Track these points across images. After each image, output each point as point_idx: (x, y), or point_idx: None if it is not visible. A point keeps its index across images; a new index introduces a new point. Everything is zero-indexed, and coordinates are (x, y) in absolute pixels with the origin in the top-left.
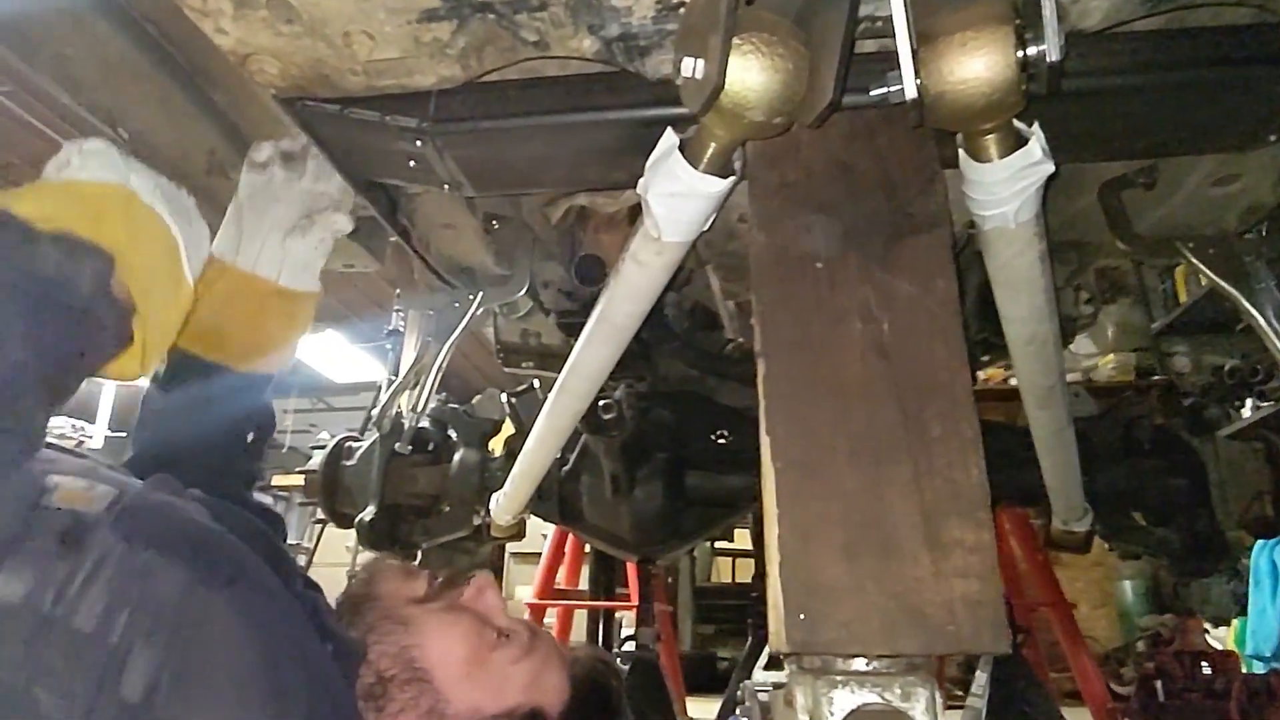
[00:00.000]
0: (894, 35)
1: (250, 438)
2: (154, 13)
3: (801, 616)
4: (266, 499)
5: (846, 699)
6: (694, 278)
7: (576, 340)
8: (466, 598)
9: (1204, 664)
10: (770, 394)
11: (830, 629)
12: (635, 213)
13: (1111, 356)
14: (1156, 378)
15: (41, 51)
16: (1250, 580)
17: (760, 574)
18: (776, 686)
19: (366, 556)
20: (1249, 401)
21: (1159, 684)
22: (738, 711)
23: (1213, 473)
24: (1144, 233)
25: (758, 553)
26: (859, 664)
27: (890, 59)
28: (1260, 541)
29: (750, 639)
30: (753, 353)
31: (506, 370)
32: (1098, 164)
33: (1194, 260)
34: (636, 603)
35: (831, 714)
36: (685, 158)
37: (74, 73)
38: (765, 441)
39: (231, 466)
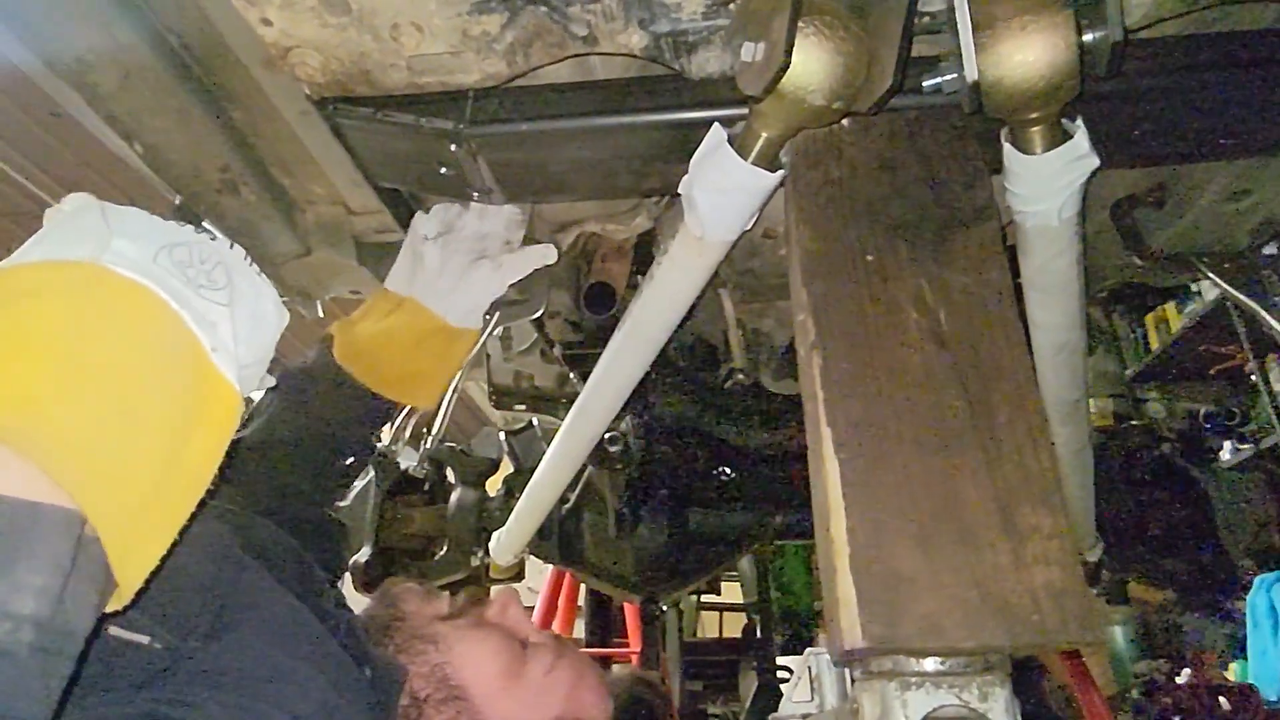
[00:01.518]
0: (938, 34)
1: (349, 462)
2: (178, 24)
3: (879, 609)
4: None
5: (921, 702)
6: (695, 311)
7: (579, 373)
8: (491, 614)
9: (1222, 698)
10: (828, 386)
11: (910, 622)
12: (643, 242)
13: (1091, 402)
14: (1134, 423)
15: (64, 56)
16: (1248, 621)
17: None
18: (805, 717)
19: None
20: (1227, 445)
21: None
22: None
23: (1216, 504)
24: (1157, 251)
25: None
26: (932, 664)
27: (933, 62)
28: (1258, 580)
29: (755, 686)
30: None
31: (498, 412)
32: (1104, 187)
33: (1211, 275)
34: (637, 649)
35: (906, 718)
36: (734, 151)
37: (93, 80)
38: (824, 434)
39: (319, 481)
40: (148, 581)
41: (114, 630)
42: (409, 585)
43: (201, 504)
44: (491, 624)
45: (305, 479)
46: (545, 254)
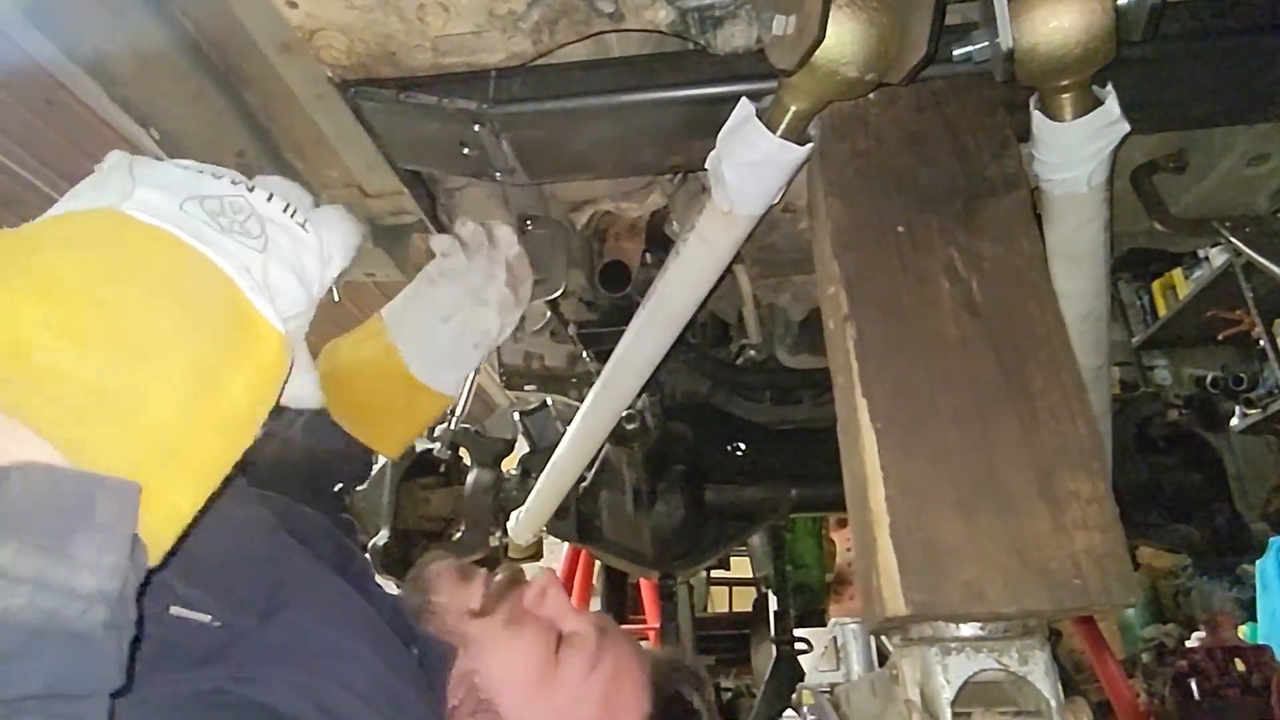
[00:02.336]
0: (968, 1)
1: (338, 488)
2: (193, 8)
3: (921, 577)
4: None
5: (962, 666)
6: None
7: (593, 352)
8: (529, 600)
9: (1238, 660)
10: (863, 357)
11: (952, 589)
12: (656, 221)
13: None
14: (1141, 391)
15: (82, 44)
16: (1259, 585)
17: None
18: (834, 685)
19: None
20: (1236, 409)
21: (1193, 682)
22: (805, 712)
23: (1230, 467)
24: (1179, 216)
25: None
26: (970, 629)
27: (963, 30)
28: (1272, 542)
29: (774, 657)
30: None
31: (509, 392)
32: (1123, 152)
33: (1233, 240)
34: (655, 625)
35: (947, 683)
36: (763, 125)
37: (111, 67)
38: (860, 405)
39: (314, 502)
40: (195, 554)
41: (175, 610)
42: (443, 567)
43: (228, 481)
44: (527, 616)
45: (297, 496)
46: (489, 325)
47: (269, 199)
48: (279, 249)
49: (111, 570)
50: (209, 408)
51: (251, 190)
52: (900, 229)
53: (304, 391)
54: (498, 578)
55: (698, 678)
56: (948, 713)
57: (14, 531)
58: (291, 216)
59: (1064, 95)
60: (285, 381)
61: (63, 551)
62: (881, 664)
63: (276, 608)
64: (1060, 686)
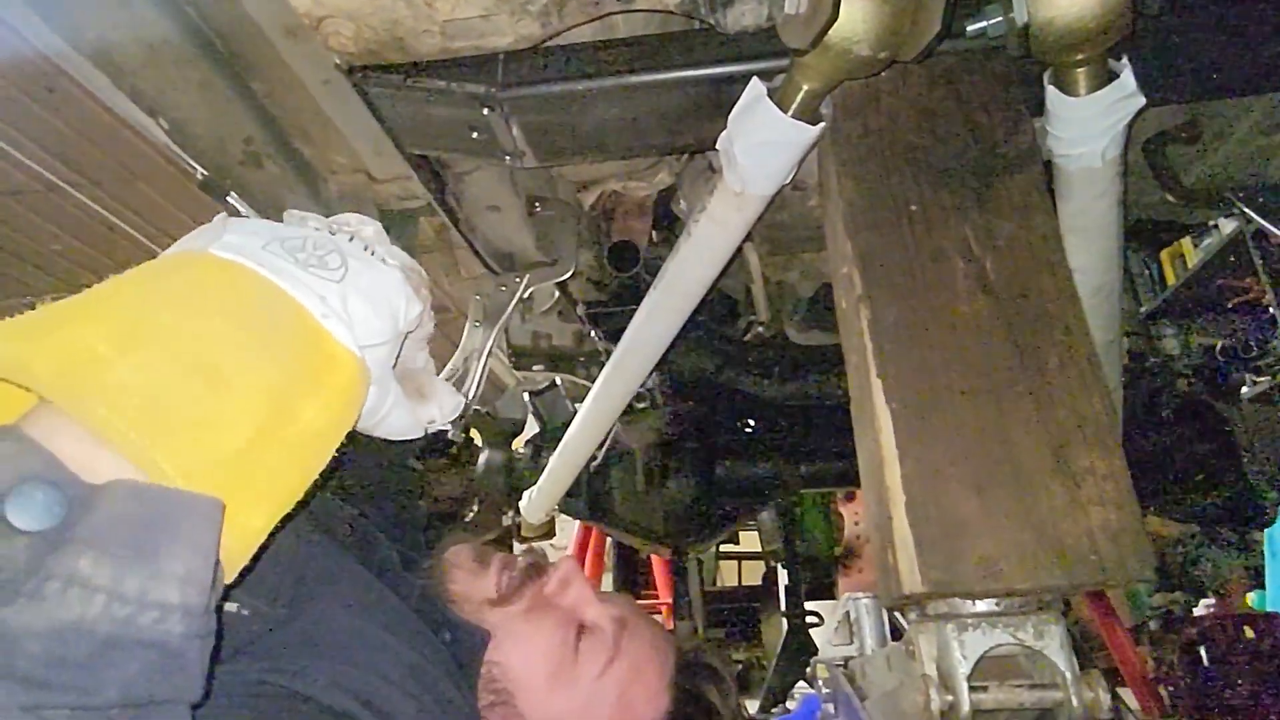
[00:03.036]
0: None
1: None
2: None
3: (937, 554)
4: None
5: (978, 641)
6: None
7: (603, 331)
8: (550, 590)
9: (1247, 627)
10: (877, 336)
11: (968, 566)
12: (663, 200)
13: None
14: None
15: (86, 34)
16: (1267, 552)
17: (776, 569)
18: (849, 659)
19: None
20: (1246, 377)
21: (1202, 650)
22: (820, 686)
23: (1241, 436)
24: (1191, 187)
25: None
26: (986, 605)
27: (975, 5)
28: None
29: (785, 630)
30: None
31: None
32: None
33: (1247, 210)
34: (668, 600)
35: (964, 658)
36: (774, 105)
37: (117, 57)
38: (874, 385)
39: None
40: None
41: None
42: (464, 554)
43: (304, 503)
44: (548, 606)
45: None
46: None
47: (350, 239)
48: (357, 280)
49: (194, 582)
50: (284, 430)
51: (334, 233)
52: (913, 208)
53: (401, 423)
54: (518, 563)
55: (720, 675)
56: (964, 688)
57: (97, 543)
58: (372, 254)
59: (1079, 70)
60: (363, 405)
61: (146, 563)
62: (895, 637)
63: (304, 599)
64: (1075, 659)
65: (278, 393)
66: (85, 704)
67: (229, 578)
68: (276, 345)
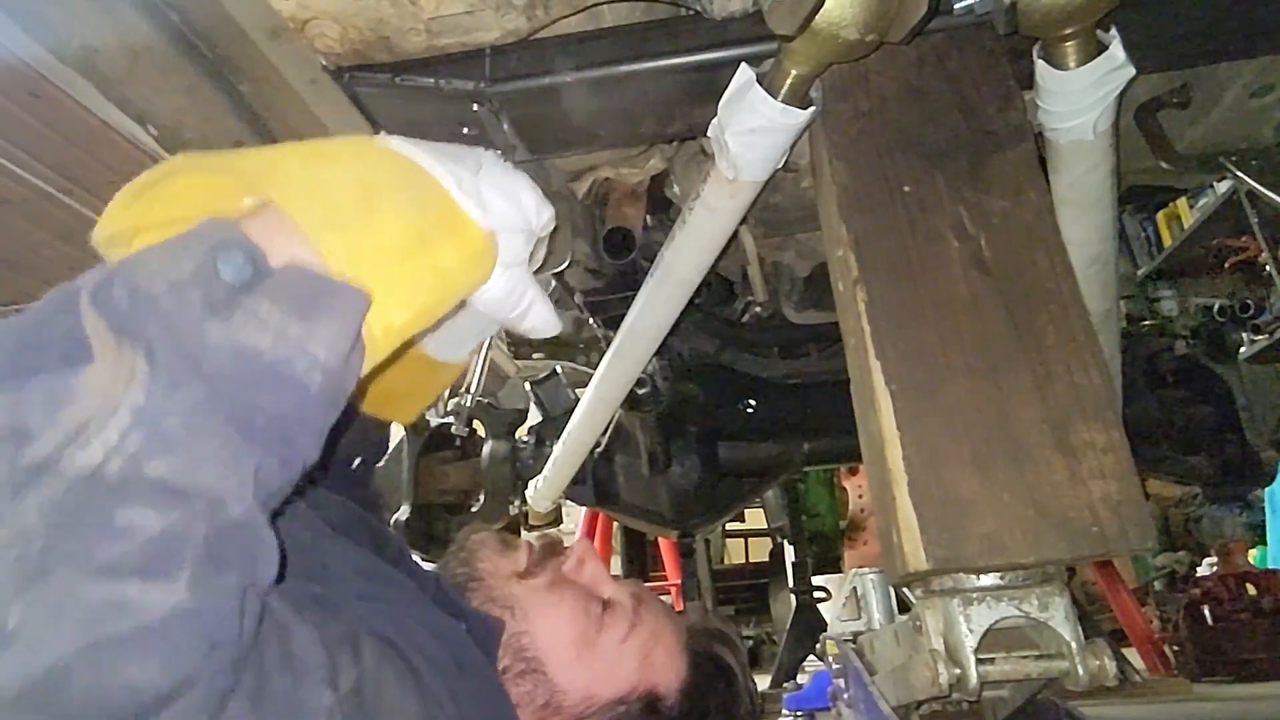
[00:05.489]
0: None
1: (356, 463)
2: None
3: (941, 532)
4: None
5: (984, 615)
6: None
7: (601, 319)
8: (568, 569)
9: (1250, 585)
10: (875, 318)
11: (971, 542)
12: (656, 185)
13: None
14: (1147, 323)
15: (71, 43)
16: (1267, 509)
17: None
18: (857, 634)
19: None
20: (1244, 336)
21: (1206, 609)
22: (831, 661)
23: (1239, 397)
24: (1184, 152)
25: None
26: (991, 579)
27: None
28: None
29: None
30: (772, 319)
31: (517, 361)
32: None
33: (1239, 175)
34: (677, 581)
35: (970, 632)
36: (764, 90)
37: (103, 66)
38: (873, 367)
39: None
40: None
41: None
42: (488, 537)
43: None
44: (567, 581)
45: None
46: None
47: (500, 153)
48: (492, 175)
49: (337, 349)
50: (423, 257)
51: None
52: (907, 188)
53: (544, 319)
54: (537, 544)
55: (730, 640)
56: (972, 660)
57: (272, 296)
58: (509, 164)
59: (1068, 43)
60: (489, 274)
61: (305, 321)
62: (902, 611)
63: (330, 581)
64: (1080, 629)
65: (417, 227)
66: (240, 421)
67: (368, 365)
68: (419, 198)
